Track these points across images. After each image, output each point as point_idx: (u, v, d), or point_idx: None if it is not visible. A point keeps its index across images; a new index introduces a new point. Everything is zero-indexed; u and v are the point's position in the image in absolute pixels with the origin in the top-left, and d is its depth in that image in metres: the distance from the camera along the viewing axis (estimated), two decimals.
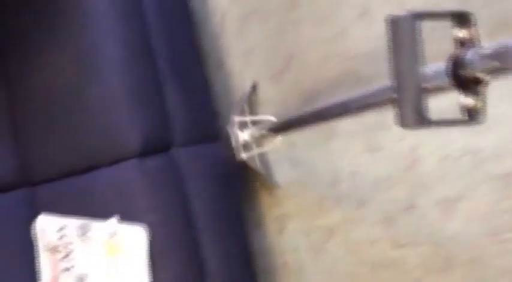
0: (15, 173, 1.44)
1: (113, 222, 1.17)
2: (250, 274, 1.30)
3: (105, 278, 1.18)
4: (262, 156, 1.36)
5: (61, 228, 1.30)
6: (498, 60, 0.56)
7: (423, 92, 0.61)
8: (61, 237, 1.30)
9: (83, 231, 1.24)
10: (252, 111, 1.38)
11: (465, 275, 1.10)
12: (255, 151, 1.32)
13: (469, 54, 0.59)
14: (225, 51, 1.53)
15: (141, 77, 1.19)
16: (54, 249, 1.34)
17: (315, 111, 1.03)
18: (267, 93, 1.42)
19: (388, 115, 1.18)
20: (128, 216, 1.14)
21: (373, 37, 1.20)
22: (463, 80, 0.60)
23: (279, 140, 1.28)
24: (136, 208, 1.13)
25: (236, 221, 1.29)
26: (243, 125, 1.34)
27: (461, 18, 0.61)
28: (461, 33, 0.61)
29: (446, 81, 0.61)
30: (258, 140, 1.33)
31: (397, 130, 1.18)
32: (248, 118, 1.35)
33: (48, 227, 1.37)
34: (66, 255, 1.29)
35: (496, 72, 0.57)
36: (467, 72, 0.59)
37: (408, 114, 0.61)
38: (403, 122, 0.63)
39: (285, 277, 1.46)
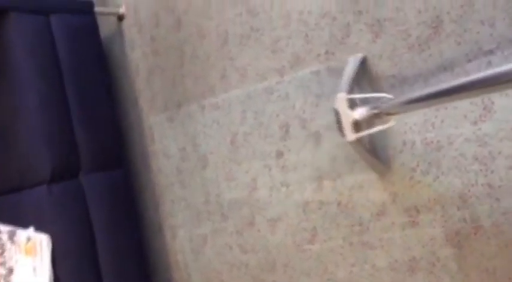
0: None
1: (30, 230, 1.57)
2: (142, 272, 1.70)
3: (24, 271, 1.58)
4: (371, 138, 1.25)
5: None
6: None
7: None
8: None
9: (11, 236, 1.64)
10: (361, 88, 1.25)
11: (282, 274, 1.50)
12: (365, 132, 1.18)
13: None
14: (137, 93, 1.92)
15: (54, 119, 1.56)
16: None
17: (441, 90, 0.99)
18: (163, 131, 1.82)
19: (239, 153, 1.57)
20: (40, 226, 1.53)
21: (227, 99, 1.59)
22: None
23: (392, 120, 1.15)
24: (46, 221, 1.53)
25: (130, 232, 1.68)
26: (351, 104, 1.20)
27: None
28: None
29: None
30: (369, 120, 1.19)
31: (245, 165, 1.58)
32: (359, 96, 1.21)
33: None
34: (2, 253, 1.70)
35: None
36: None
37: None
38: None
39: (176, 272, 1.86)
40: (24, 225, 1.59)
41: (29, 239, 1.55)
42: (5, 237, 1.67)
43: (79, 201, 1.57)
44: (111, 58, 1.98)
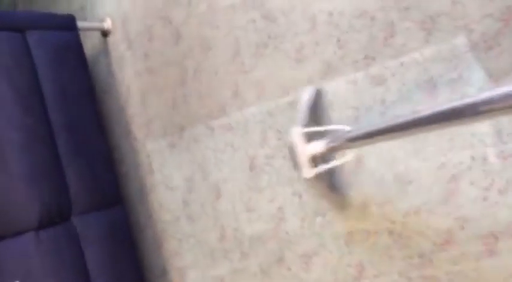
0: None
1: None
2: None
3: None
4: (330, 172, 1.18)
5: None
6: None
7: None
8: None
9: None
10: (317, 121, 1.20)
11: None
12: (323, 166, 1.12)
13: None
14: (130, 118, 1.69)
15: (40, 157, 1.33)
16: None
17: (408, 120, 0.91)
18: (163, 159, 1.60)
19: (261, 179, 1.36)
20: (28, 281, 1.28)
21: (242, 118, 1.39)
22: None
23: (352, 153, 1.11)
24: (35, 275, 1.27)
25: (131, 277, 1.44)
26: (308, 138, 1.14)
27: None
28: None
29: None
30: (326, 154, 1.13)
31: (268, 193, 1.37)
32: (317, 129, 1.15)
33: None
34: None
35: None
36: None
37: None
38: None
39: None
40: (9, 280, 1.33)
41: None
42: None
43: (73, 247, 1.33)
44: (95, 80, 1.75)
